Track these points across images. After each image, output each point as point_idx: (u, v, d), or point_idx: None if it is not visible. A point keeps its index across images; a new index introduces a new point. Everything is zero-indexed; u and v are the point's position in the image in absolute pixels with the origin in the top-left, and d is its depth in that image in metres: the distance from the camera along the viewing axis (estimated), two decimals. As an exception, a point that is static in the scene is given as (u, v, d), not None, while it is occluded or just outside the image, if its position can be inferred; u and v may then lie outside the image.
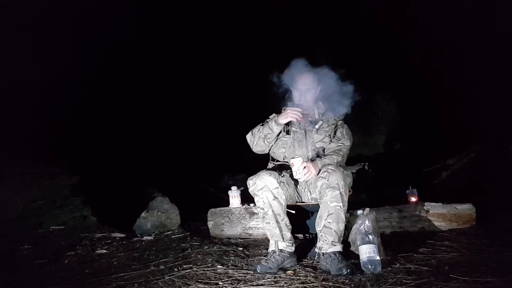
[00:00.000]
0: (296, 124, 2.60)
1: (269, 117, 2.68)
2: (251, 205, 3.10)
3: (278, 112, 2.72)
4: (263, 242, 2.87)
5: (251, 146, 2.62)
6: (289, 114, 2.40)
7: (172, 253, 2.70)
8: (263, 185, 2.28)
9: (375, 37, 6.59)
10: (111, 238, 3.15)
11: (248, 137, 2.63)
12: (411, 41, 6.20)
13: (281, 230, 2.30)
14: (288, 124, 2.58)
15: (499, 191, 3.50)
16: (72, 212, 3.72)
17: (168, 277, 2.18)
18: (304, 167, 2.30)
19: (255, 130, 2.60)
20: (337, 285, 1.94)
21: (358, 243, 2.21)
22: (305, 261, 2.40)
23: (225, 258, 2.54)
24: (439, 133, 5.58)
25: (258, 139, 2.55)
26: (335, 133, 2.57)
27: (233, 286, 2.02)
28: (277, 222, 2.29)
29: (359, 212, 2.36)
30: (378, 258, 2.11)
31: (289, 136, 2.59)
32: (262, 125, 2.61)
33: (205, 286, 2.04)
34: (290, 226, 2.35)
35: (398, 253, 2.34)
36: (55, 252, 2.81)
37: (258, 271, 2.19)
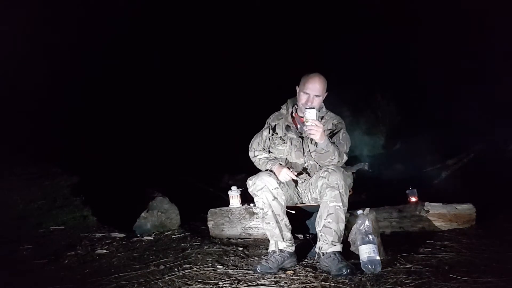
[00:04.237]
0: (293, 130, 2.54)
1: (267, 121, 2.66)
2: (251, 205, 3.10)
3: (277, 109, 2.69)
4: (263, 242, 2.87)
5: None
6: (281, 176, 2.35)
7: (172, 253, 2.70)
8: (262, 185, 2.27)
9: (375, 38, 6.59)
10: (111, 238, 3.15)
11: (250, 156, 2.63)
12: (411, 41, 6.20)
13: (281, 230, 2.30)
14: (286, 129, 2.55)
15: (499, 191, 3.50)
16: (72, 212, 3.72)
17: (168, 277, 2.18)
18: (316, 124, 2.19)
19: (257, 159, 2.57)
20: (337, 285, 1.94)
21: (358, 243, 2.21)
22: (305, 261, 2.40)
23: (225, 258, 2.54)
24: (440, 133, 5.58)
25: (259, 167, 2.57)
26: (332, 138, 2.45)
27: (233, 286, 2.02)
28: (277, 222, 2.29)
29: (359, 212, 2.36)
30: (378, 258, 2.11)
31: (285, 144, 2.52)
32: (260, 136, 2.61)
33: (205, 286, 2.04)
34: (290, 226, 2.35)
35: (398, 253, 2.34)
36: (55, 252, 2.80)
37: (258, 271, 2.19)
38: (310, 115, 2.21)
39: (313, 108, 2.27)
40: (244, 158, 2.69)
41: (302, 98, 2.45)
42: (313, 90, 2.42)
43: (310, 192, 2.45)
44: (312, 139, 2.36)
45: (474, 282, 1.81)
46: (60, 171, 4.66)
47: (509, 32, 4.55)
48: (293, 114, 2.59)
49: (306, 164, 2.49)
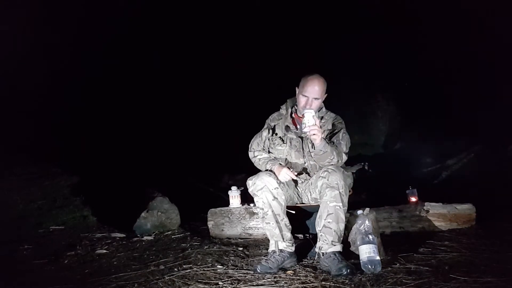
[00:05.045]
0: (293, 130, 2.54)
1: (266, 121, 2.66)
2: (251, 205, 3.10)
3: (276, 109, 2.68)
4: (263, 242, 2.87)
5: None
6: (281, 176, 2.34)
7: (172, 253, 2.70)
8: (262, 185, 2.27)
9: (375, 38, 6.59)
10: (111, 238, 3.15)
11: (250, 156, 2.62)
12: (411, 42, 6.21)
13: (281, 230, 2.30)
14: (286, 130, 2.54)
15: (499, 191, 3.51)
16: (72, 212, 3.72)
17: (168, 277, 2.18)
18: (315, 124, 2.19)
19: (257, 159, 2.56)
20: (337, 285, 1.94)
21: (358, 243, 2.21)
22: (305, 261, 2.40)
23: (225, 258, 2.54)
24: (440, 133, 5.58)
25: (259, 168, 2.56)
26: (331, 138, 2.46)
27: (233, 286, 2.02)
28: (277, 222, 2.29)
29: (359, 212, 2.36)
30: (378, 258, 2.11)
31: (285, 144, 2.52)
32: (260, 136, 2.60)
33: (205, 286, 2.04)
34: (290, 226, 2.35)
35: (398, 253, 2.34)
36: (55, 252, 2.80)
37: (258, 271, 2.19)
38: (308, 117, 2.21)
39: (311, 109, 2.26)
40: (244, 158, 2.69)
41: (301, 100, 2.44)
42: (312, 93, 2.40)
43: (310, 192, 2.45)
44: (310, 140, 2.35)
45: (474, 282, 1.81)
46: (60, 171, 4.66)
47: (509, 32, 4.55)
48: (293, 115, 2.59)
49: (306, 164, 2.49)
